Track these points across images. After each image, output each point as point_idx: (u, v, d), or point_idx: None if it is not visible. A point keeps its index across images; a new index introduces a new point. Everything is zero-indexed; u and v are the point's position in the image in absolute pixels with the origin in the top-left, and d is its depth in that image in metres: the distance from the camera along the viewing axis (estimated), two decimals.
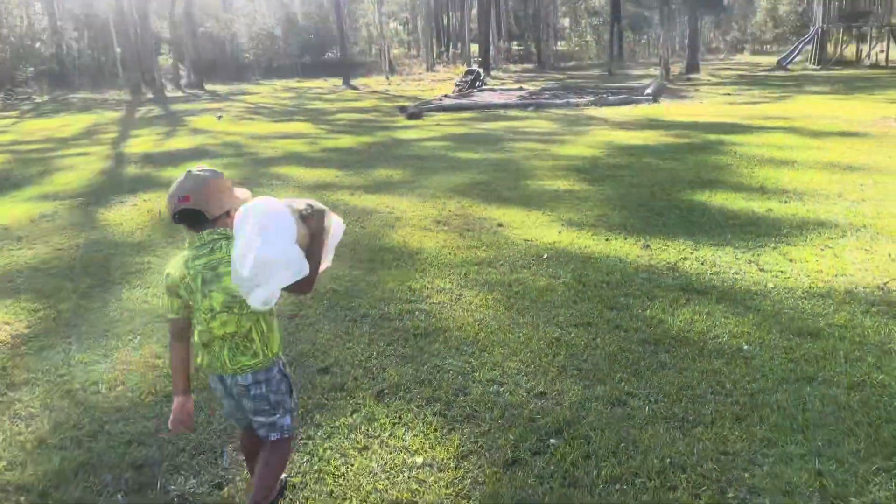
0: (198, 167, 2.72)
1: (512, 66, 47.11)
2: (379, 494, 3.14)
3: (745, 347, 4.44)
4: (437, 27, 56.56)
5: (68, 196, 10.19)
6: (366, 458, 3.39)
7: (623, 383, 4.01)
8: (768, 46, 54.94)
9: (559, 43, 57.75)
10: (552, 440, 3.47)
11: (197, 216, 2.62)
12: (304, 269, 2.55)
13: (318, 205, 2.71)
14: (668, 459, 3.27)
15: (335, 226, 2.83)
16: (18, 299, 5.84)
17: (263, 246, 2.44)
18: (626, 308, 5.16)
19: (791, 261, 6.07)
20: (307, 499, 3.14)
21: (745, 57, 51.44)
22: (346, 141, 15.26)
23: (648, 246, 6.63)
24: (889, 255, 6.10)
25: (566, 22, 62.13)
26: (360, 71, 45.39)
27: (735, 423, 3.57)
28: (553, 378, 4.12)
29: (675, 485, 3.11)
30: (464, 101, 23.75)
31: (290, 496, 3.15)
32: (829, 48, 37.90)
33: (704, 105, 19.92)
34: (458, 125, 17.44)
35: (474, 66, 35.15)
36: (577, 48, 56.83)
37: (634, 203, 8.34)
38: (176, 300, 2.72)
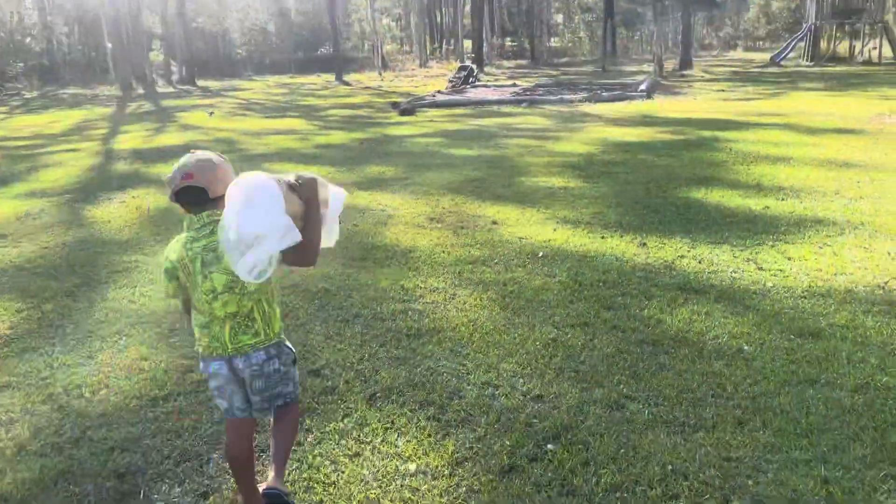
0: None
1: (505, 63, 47.01)
2: None
3: (746, 348, 4.35)
4: (430, 23, 56.36)
5: (56, 193, 10.04)
6: (357, 466, 3.28)
7: (622, 386, 3.91)
8: (761, 43, 55.05)
9: (552, 39, 57.70)
10: (549, 446, 3.36)
11: (199, 194, 2.60)
12: (295, 236, 2.49)
13: (308, 174, 2.69)
14: (670, 466, 3.17)
15: (334, 196, 2.78)
16: (2, 299, 5.70)
17: (247, 219, 2.42)
18: (623, 308, 5.06)
19: (790, 259, 5.98)
20: None
21: (738, 53, 51.51)
22: (338, 137, 15.13)
23: (645, 244, 6.53)
24: (889, 254, 6.02)
25: (559, 18, 62.05)
26: (352, 67, 45.21)
27: (737, 427, 3.47)
28: (550, 380, 4.01)
29: (677, 493, 3.01)
30: (457, 97, 23.62)
31: None
32: (823, 45, 37.92)
33: (698, 101, 19.84)
34: (451, 121, 17.32)
35: (467, 63, 34.99)
36: (570, 44, 56.82)
37: (630, 200, 8.24)
38: (173, 284, 2.72)
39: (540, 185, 9.20)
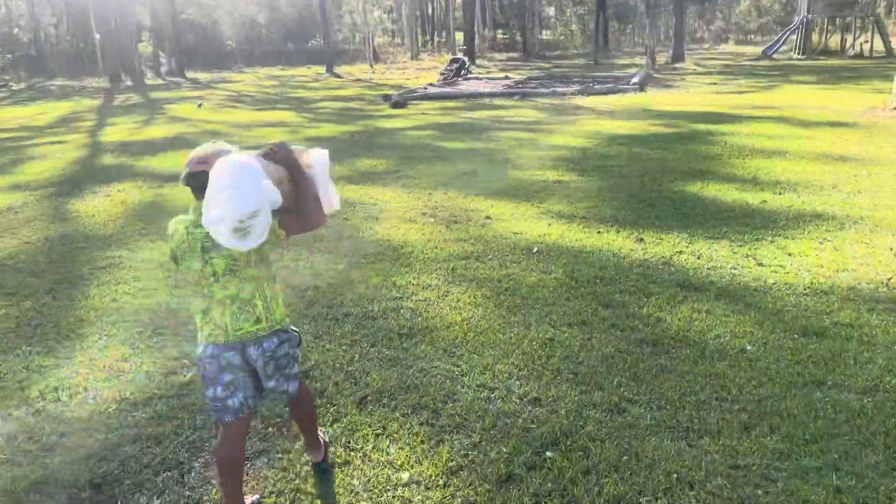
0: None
1: (497, 55, 46.78)
2: None
3: (749, 348, 4.21)
4: (421, 15, 56.02)
5: (40, 186, 9.81)
6: (347, 475, 3.12)
7: (622, 388, 3.76)
8: (753, 36, 54.96)
9: (544, 32, 57.45)
10: (548, 453, 3.21)
11: (206, 182, 2.54)
12: (275, 198, 2.50)
13: (281, 142, 2.69)
14: (675, 475, 3.02)
15: (316, 159, 2.76)
16: None
17: (241, 201, 2.41)
18: (621, 305, 4.91)
19: (790, 255, 5.85)
20: None
21: (730, 46, 51.40)
22: (329, 130, 14.92)
23: (642, 239, 6.39)
24: (891, 249, 5.90)
25: (551, 11, 61.80)
26: (343, 59, 44.92)
27: (743, 432, 3.33)
28: (547, 382, 3.86)
29: None
30: (449, 89, 23.41)
31: None
32: (814, 38, 37.86)
33: (691, 94, 19.71)
34: (443, 114, 17.13)
35: (459, 55, 34.75)
36: (562, 37, 56.58)
37: (625, 194, 8.10)
38: (175, 261, 2.71)
39: (534, 179, 9.04)
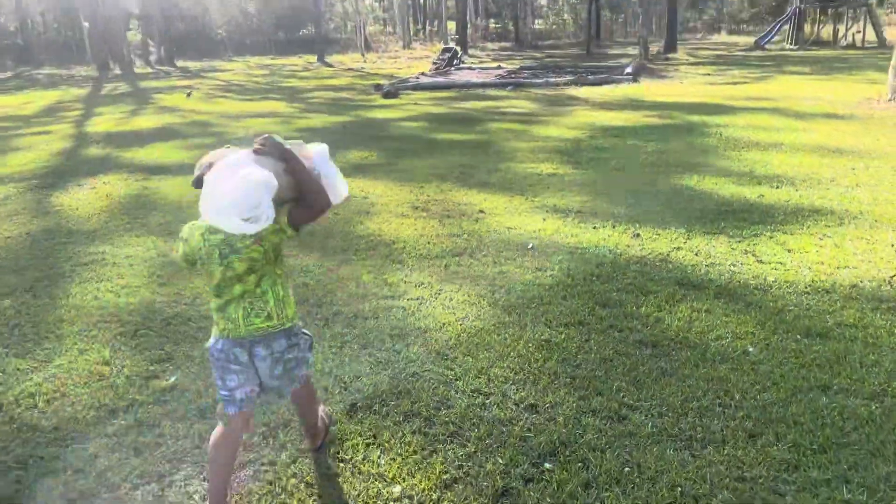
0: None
1: (489, 45, 46.52)
2: None
3: (751, 350, 4.08)
4: (413, 4, 55.61)
5: (22, 178, 9.60)
6: (335, 489, 2.98)
7: (622, 394, 3.63)
8: (745, 26, 54.77)
9: (537, 21, 57.15)
10: (547, 464, 3.07)
11: None
12: (271, 182, 2.49)
13: (266, 135, 2.67)
14: (679, 488, 2.89)
15: (315, 150, 2.79)
16: None
17: (243, 201, 2.43)
18: (619, 305, 4.78)
19: (790, 251, 5.73)
20: None
21: (722, 37, 51.25)
22: (320, 120, 14.72)
23: (638, 235, 6.26)
24: (892, 245, 5.78)
25: (543, 0, 61.45)
26: (335, 48, 44.57)
27: (749, 441, 3.20)
28: (544, 387, 3.72)
29: None
30: (441, 79, 23.20)
31: None
32: (807, 28, 37.75)
33: (685, 85, 19.58)
34: (435, 104, 16.94)
35: (451, 44, 34.53)
36: (554, 27, 56.35)
37: (620, 188, 7.96)
38: (187, 263, 2.74)
39: (527, 172, 8.89)
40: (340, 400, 3.64)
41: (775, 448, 3.14)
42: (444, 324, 4.55)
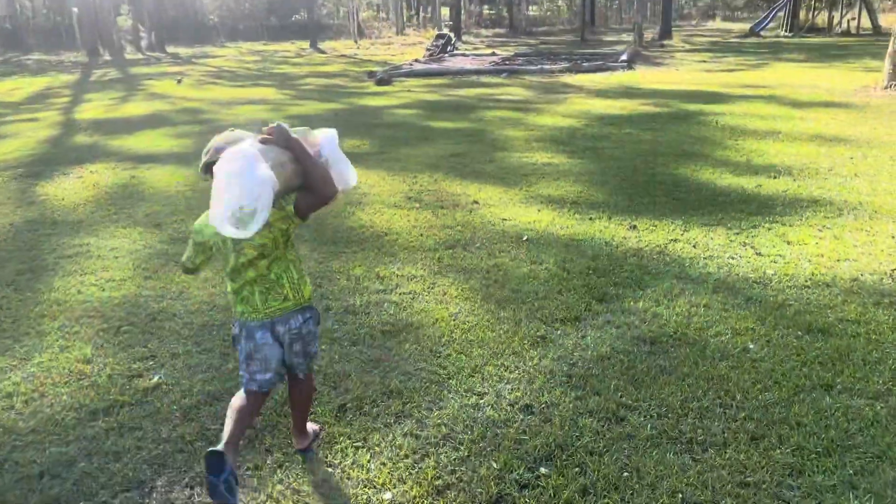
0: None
1: (483, 31, 46.24)
2: None
3: (751, 347, 3.98)
4: None
5: (7, 167, 9.41)
6: (323, 495, 2.86)
7: (620, 393, 3.52)
8: (739, 13, 54.58)
9: (531, 7, 56.81)
10: (542, 469, 2.96)
11: None
12: (273, 181, 2.49)
13: (276, 124, 2.69)
14: (680, 495, 2.78)
15: (323, 137, 2.80)
16: None
17: (246, 192, 2.44)
18: (616, 299, 4.67)
19: (789, 243, 5.63)
20: None
21: (717, 23, 51.06)
22: (312, 108, 14.54)
23: (635, 226, 6.14)
24: (892, 237, 5.69)
25: None
26: (327, 34, 44.21)
27: (751, 444, 3.10)
28: (540, 387, 3.61)
29: None
30: (435, 66, 22.99)
31: None
32: (802, 15, 37.57)
33: (680, 72, 19.43)
34: (429, 92, 16.76)
35: (445, 31, 34.21)
36: (548, 13, 56.05)
37: (617, 178, 7.84)
38: (201, 256, 2.86)
39: (522, 161, 8.75)
40: (329, 401, 3.53)
41: (778, 451, 3.03)
42: (436, 319, 4.43)
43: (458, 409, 3.43)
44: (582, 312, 4.47)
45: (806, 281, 4.90)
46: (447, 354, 3.98)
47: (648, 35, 33.33)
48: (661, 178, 7.73)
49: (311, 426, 3.19)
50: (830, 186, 7.23)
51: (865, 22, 34.88)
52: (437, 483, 2.90)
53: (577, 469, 2.95)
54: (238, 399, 2.84)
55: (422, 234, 6.07)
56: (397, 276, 5.17)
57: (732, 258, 5.37)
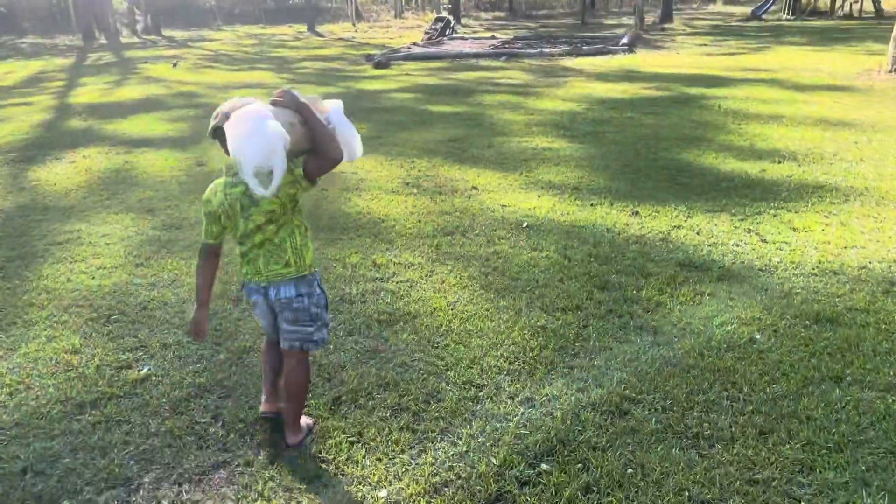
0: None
1: (483, 14, 45.80)
2: None
3: (758, 338, 3.87)
4: None
5: (0, 152, 9.26)
6: (316, 493, 2.75)
7: (623, 386, 3.41)
8: None
9: None
10: (543, 465, 2.86)
11: None
12: (285, 137, 2.55)
13: (285, 89, 2.75)
14: (687, 493, 2.68)
15: (331, 106, 2.89)
16: None
17: (256, 149, 2.50)
18: (618, 287, 4.55)
19: (794, 230, 5.51)
20: None
21: (718, 6, 50.53)
22: (309, 91, 14.24)
23: (637, 213, 6.02)
24: None
25: None
26: (325, 17, 43.83)
27: (759, 439, 2.99)
28: (540, 379, 3.51)
29: None
30: (433, 49, 22.74)
31: None
32: None
33: (682, 56, 19.21)
34: (427, 75, 16.56)
35: (444, 14, 33.89)
36: None
37: (618, 163, 7.70)
38: (216, 226, 2.86)
39: (522, 146, 8.61)
40: (323, 393, 3.42)
41: (788, 447, 2.93)
42: (434, 308, 4.31)
43: (456, 401, 3.32)
44: (583, 301, 4.36)
45: (813, 269, 4.79)
46: (445, 345, 3.87)
47: (649, 18, 33.01)
48: (663, 163, 7.60)
49: (304, 421, 3.09)
50: (836, 171, 7.10)
51: (868, 5, 34.55)
52: (434, 480, 2.80)
53: (579, 465, 2.85)
54: (264, 344, 3.17)
55: (419, 221, 5.95)
56: (394, 263, 5.06)
57: (737, 245, 5.25)
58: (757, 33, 26.49)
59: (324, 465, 2.91)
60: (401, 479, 2.81)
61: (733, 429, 3.06)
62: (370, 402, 3.34)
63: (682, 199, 6.36)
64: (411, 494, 2.72)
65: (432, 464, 2.89)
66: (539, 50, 20.97)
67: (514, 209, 6.19)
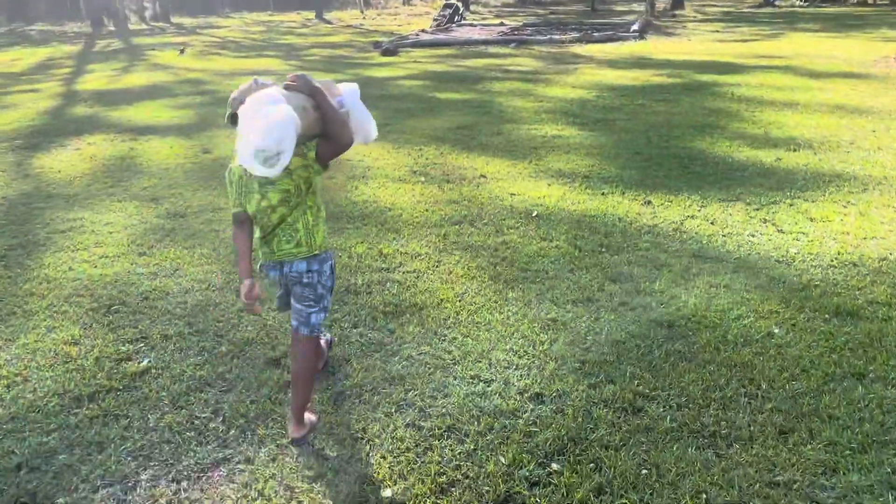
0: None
1: (492, 1, 45.46)
2: None
3: (776, 332, 3.74)
4: None
5: (6, 139, 9.19)
6: (319, 493, 2.66)
7: (636, 381, 3.30)
8: None
9: None
10: (554, 465, 2.75)
11: None
12: (296, 120, 2.56)
13: (299, 74, 2.76)
14: (704, 495, 2.57)
15: (346, 89, 2.92)
16: None
17: (269, 133, 2.49)
18: (630, 279, 4.43)
19: (812, 220, 5.37)
20: None
21: None
22: (316, 78, 14.19)
23: (650, 202, 5.89)
24: None
25: None
26: (334, 4, 43.64)
27: (780, 438, 2.88)
28: (551, 374, 3.40)
29: None
30: (442, 36, 22.54)
31: None
32: None
33: (693, 43, 18.96)
34: (436, 62, 16.40)
35: (453, 0, 33.62)
36: None
37: (630, 151, 7.56)
38: (241, 196, 2.86)
39: (531, 134, 8.47)
40: (327, 387, 3.32)
41: (809, 447, 2.81)
42: (441, 300, 4.21)
43: (463, 397, 3.21)
44: (595, 293, 4.25)
45: (832, 260, 4.66)
46: (452, 338, 3.76)
47: (660, 5, 32.69)
48: (675, 152, 7.45)
49: (308, 416, 3.00)
50: (853, 160, 6.94)
51: None
52: (440, 479, 2.70)
53: (591, 465, 2.74)
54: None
55: (427, 210, 5.83)
56: (401, 253, 4.95)
57: (753, 236, 5.12)
58: (770, 20, 26.17)
59: (327, 463, 2.81)
60: (406, 478, 2.71)
61: (752, 428, 2.95)
62: (375, 398, 3.24)
63: (695, 187, 6.22)
64: (417, 494, 2.62)
65: (438, 462, 2.79)
66: (549, 36, 20.76)
67: (524, 198, 6.07)
